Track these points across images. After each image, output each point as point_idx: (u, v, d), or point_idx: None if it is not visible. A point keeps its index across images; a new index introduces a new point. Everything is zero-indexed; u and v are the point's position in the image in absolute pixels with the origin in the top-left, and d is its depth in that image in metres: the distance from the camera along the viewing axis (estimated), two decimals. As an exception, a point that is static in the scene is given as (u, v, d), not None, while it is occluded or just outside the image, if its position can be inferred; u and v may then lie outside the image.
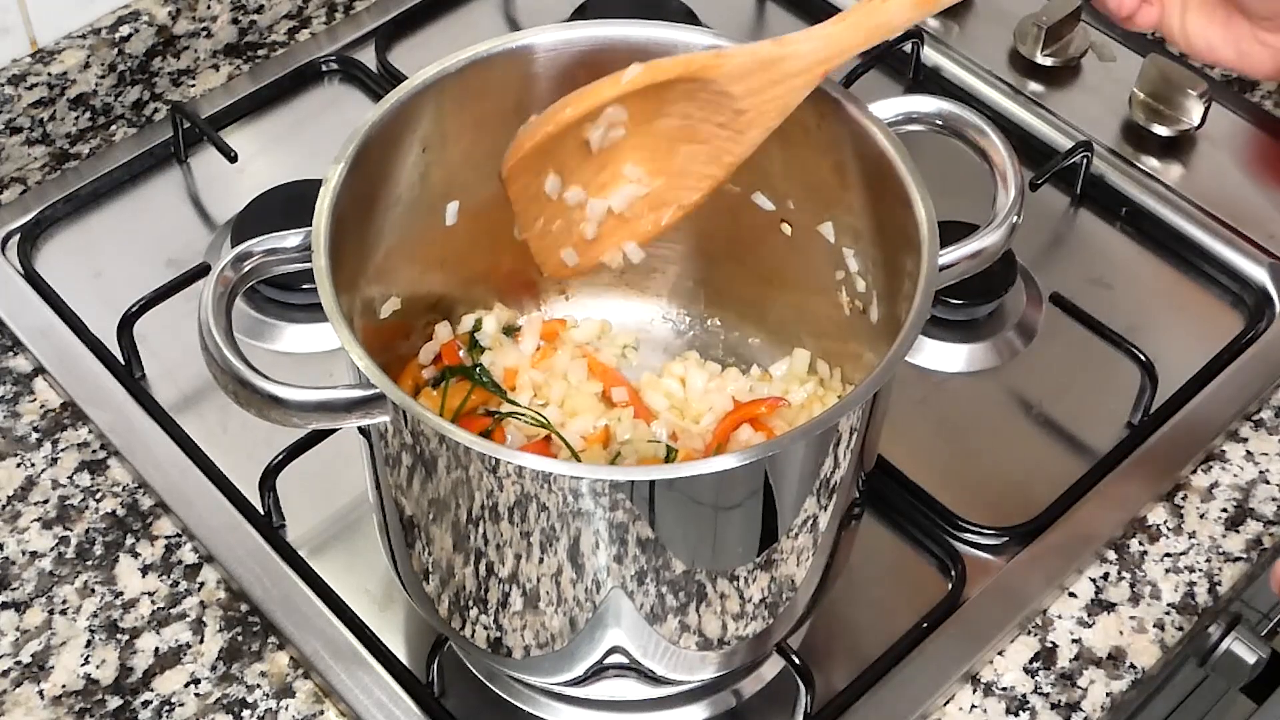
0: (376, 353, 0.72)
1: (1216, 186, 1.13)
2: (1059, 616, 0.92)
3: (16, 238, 1.07)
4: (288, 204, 1.06)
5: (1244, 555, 0.95)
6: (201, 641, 0.89)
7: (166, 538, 0.93)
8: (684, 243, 0.93)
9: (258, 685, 0.87)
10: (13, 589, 0.91)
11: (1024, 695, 0.88)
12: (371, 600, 0.90)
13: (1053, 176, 1.12)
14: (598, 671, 0.79)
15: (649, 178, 0.83)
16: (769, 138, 0.84)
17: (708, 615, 0.76)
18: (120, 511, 0.94)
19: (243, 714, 0.86)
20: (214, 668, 0.88)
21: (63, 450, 0.97)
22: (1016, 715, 0.88)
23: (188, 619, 0.90)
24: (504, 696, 0.88)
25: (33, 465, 0.96)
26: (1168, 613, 0.92)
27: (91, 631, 0.89)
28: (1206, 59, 0.85)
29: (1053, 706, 0.88)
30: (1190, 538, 0.96)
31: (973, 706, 0.88)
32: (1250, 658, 0.98)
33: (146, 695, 0.87)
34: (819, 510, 0.75)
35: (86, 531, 0.93)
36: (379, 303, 0.83)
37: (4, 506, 0.94)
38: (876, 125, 0.78)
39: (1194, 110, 1.15)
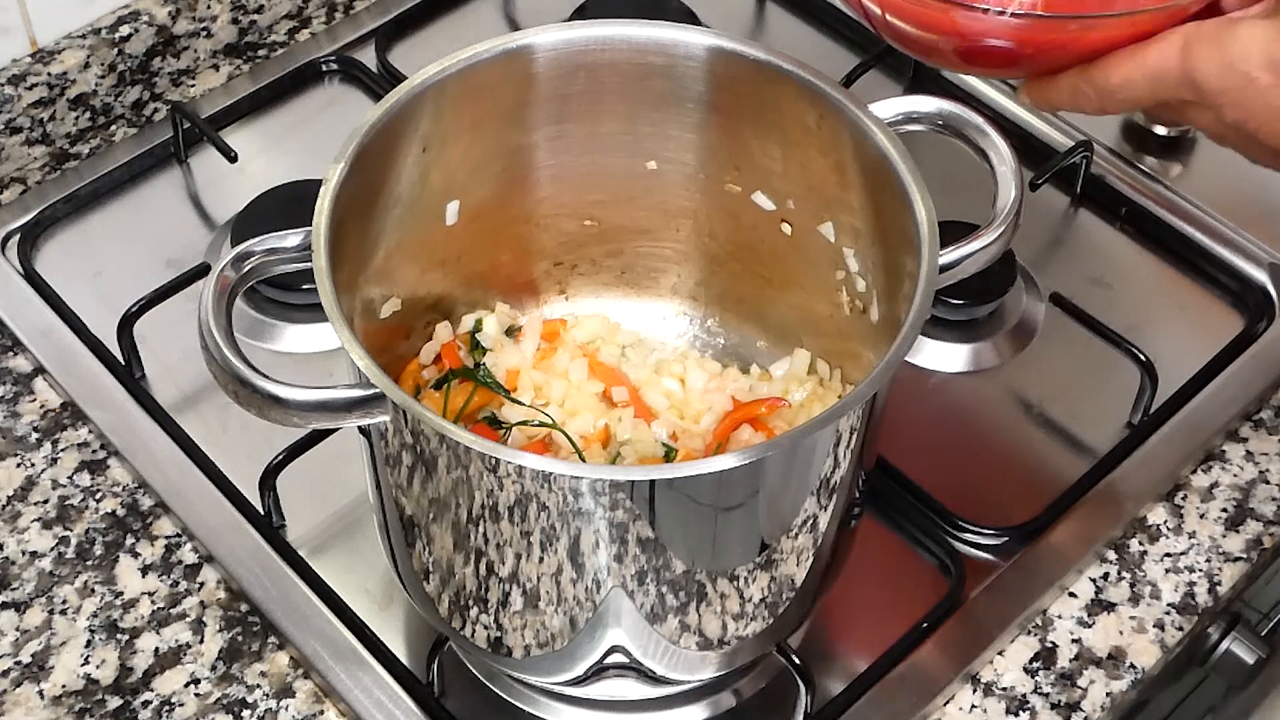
0: (376, 353, 0.72)
1: (1216, 186, 1.13)
2: (1059, 616, 0.92)
3: (16, 238, 1.07)
4: (288, 204, 1.06)
5: (1244, 555, 0.95)
6: (201, 641, 0.89)
7: (166, 538, 0.93)
8: (684, 243, 0.93)
9: (258, 685, 0.87)
10: (13, 589, 0.91)
11: (1024, 695, 0.89)
12: (371, 600, 0.90)
13: (1053, 176, 1.12)
14: (598, 671, 0.79)
15: None
16: (769, 137, 0.84)
17: (708, 615, 0.76)
18: (120, 511, 0.94)
19: (243, 714, 0.86)
20: (214, 668, 0.88)
21: (63, 450, 0.97)
22: (1016, 715, 0.88)
23: (188, 619, 0.90)
24: (504, 696, 0.88)
25: (33, 465, 0.96)
26: (1168, 613, 0.92)
27: (91, 631, 0.89)
28: None
29: (1053, 706, 0.88)
30: (1190, 538, 0.96)
31: (973, 706, 0.88)
32: (1250, 658, 0.98)
33: (146, 695, 0.87)
34: (819, 510, 0.75)
35: (86, 531, 0.93)
36: (379, 303, 0.83)
37: (4, 506, 0.94)
38: (876, 125, 0.78)
39: (1194, 110, 1.15)
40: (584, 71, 0.84)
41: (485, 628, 0.78)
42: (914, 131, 0.81)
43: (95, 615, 0.90)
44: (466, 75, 0.81)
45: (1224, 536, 0.96)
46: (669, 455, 0.86)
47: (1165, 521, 0.96)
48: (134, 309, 1.00)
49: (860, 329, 0.85)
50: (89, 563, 0.92)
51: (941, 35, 0.81)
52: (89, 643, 0.89)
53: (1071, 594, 0.93)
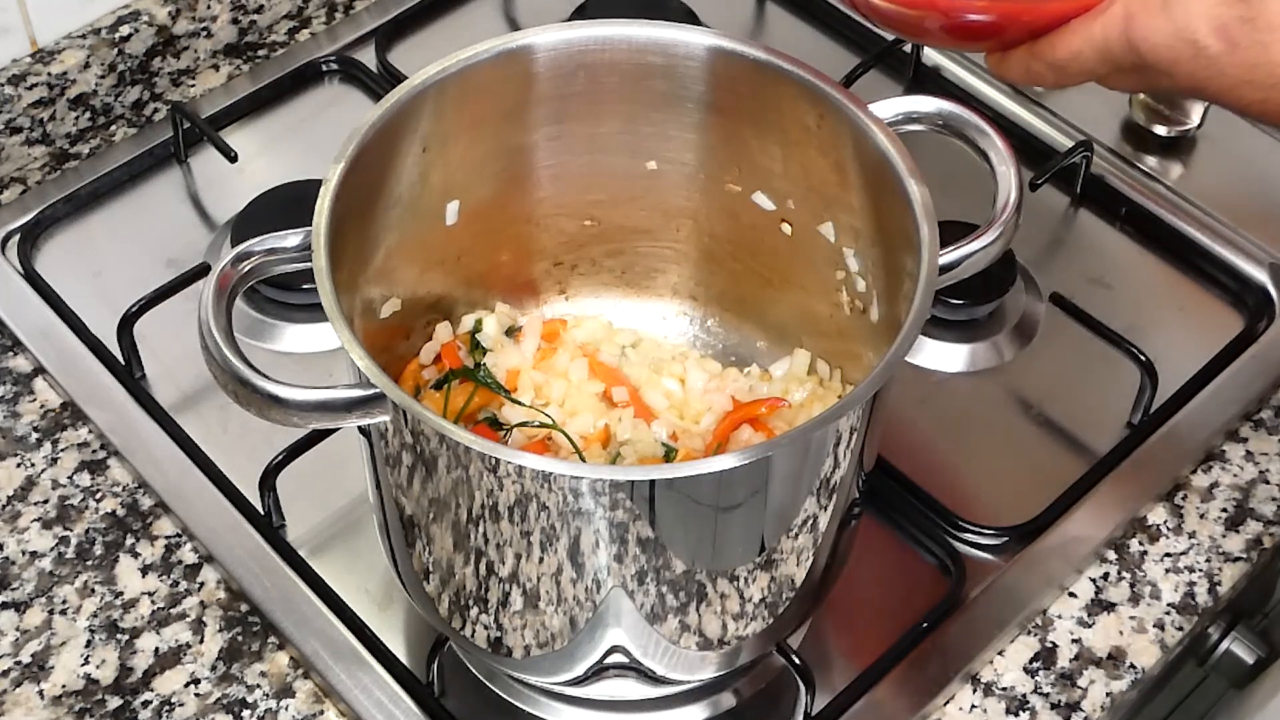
0: (376, 353, 0.72)
1: (1216, 186, 1.13)
2: (1059, 616, 0.92)
3: (16, 238, 1.07)
4: (288, 204, 1.06)
5: (1244, 555, 0.95)
6: (201, 641, 0.89)
7: (166, 538, 0.93)
8: (684, 243, 0.93)
9: (258, 685, 0.87)
10: (13, 589, 0.91)
11: (1024, 695, 0.89)
12: (371, 600, 0.90)
13: (1053, 176, 1.12)
14: (598, 671, 0.79)
15: None
16: (769, 137, 0.84)
17: (708, 615, 0.76)
18: (120, 511, 0.94)
19: (243, 714, 0.86)
20: (214, 668, 0.88)
21: (63, 450, 0.97)
22: (1016, 715, 0.88)
23: (188, 619, 0.90)
24: (504, 696, 0.88)
25: (33, 465, 0.96)
26: (1168, 613, 0.92)
27: (91, 631, 0.89)
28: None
29: (1053, 706, 0.88)
30: (1190, 538, 0.96)
31: (973, 706, 0.88)
32: (1250, 658, 0.98)
33: (146, 695, 0.87)
34: (819, 510, 0.75)
35: (86, 531, 0.93)
36: (379, 303, 0.83)
37: (4, 506, 0.94)
38: (876, 125, 0.78)
39: (1194, 110, 1.15)
40: (584, 71, 0.84)
41: (485, 628, 0.78)
42: (914, 131, 0.81)
43: (95, 615, 0.90)
44: (466, 75, 0.81)
45: (1224, 536, 0.96)
46: (669, 455, 0.86)
47: (1165, 521, 0.96)
48: (134, 309, 1.00)
49: (860, 329, 0.85)
50: (89, 563, 0.92)
51: (918, 10, 0.81)
52: (89, 643, 0.89)
53: (1071, 594, 0.93)
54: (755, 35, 1.25)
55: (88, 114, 1.15)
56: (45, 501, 0.95)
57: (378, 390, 0.68)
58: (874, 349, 0.83)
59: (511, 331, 0.91)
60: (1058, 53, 0.79)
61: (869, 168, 0.79)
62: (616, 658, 0.78)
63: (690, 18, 1.21)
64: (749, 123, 0.84)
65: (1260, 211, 1.12)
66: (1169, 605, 0.93)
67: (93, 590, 0.91)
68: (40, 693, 0.87)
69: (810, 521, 0.75)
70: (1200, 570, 0.94)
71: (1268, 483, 0.98)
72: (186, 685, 0.87)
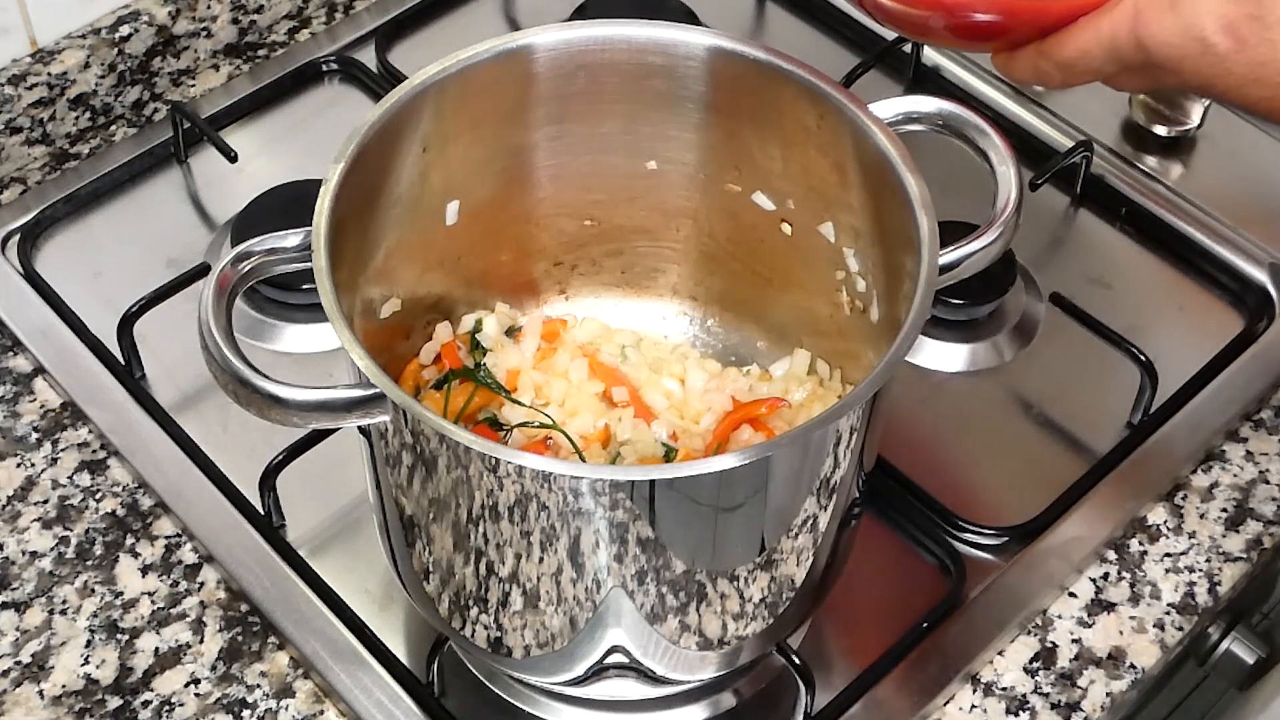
0: (376, 353, 0.72)
1: (1216, 186, 1.13)
2: (1059, 616, 0.92)
3: (16, 238, 1.07)
4: (288, 204, 1.06)
5: (1244, 555, 0.95)
6: (201, 641, 0.89)
7: (166, 538, 0.93)
8: (684, 243, 0.93)
9: (258, 685, 0.87)
10: (13, 589, 0.91)
11: (1024, 695, 0.89)
12: (371, 600, 0.90)
13: (1053, 176, 1.12)
14: (598, 671, 0.79)
15: None
16: (769, 137, 0.84)
17: (708, 615, 0.76)
18: (120, 511, 0.94)
19: (243, 714, 0.86)
20: (214, 668, 0.88)
21: (63, 450, 0.97)
22: (1016, 715, 0.88)
23: (188, 619, 0.90)
24: (504, 696, 0.88)
25: (33, 465, 0.96)
26: (1168, 613, 0.92)
27: (91, 631, 0.89)
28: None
29: (1053, 706, 0.88)
30: (1190, 538, 0.96)
31: (973, 706, 0.88)
32: (1250, 658, 0.98)
33: (146, 695, 0.87)
34: (819, 510, 0.75)
35: (86, 531, 0.93)
36: (379, 303, 0.83)
37: (4, 506, 0.94)
38: (876, 125, 0.78)
39: (1194, 110, 1.15)
40: (584, 71, 0.84)
41: (485, 628, 0.78)
42: (914, 131, 0.81)
43: (95, 615, 0.90)
44: (466, 75, 0.81)
45: (1224, 536, 0.96)
46: (669, 455, 0.86)
47: (1165, 521, 0.96)
48: (134, 309, 1.00)
49: (860, 329, 0.85)
50: (89, 563, 0.92)
51: (924, 9, 0.81)
52: (89, 643, 0.89)
53: (1071, 594, 0.93)
54: (755, 35, 1.25)
55: (88, 114, 1.15)
56: (45, 501, 0.95)
57: (378, 390, 0.68)
58: (874, 349, 0.83)
59: (511, 331, 0.91)
60: (1065, 51, 0.79)
61: (869, 168, 0.79)
62: (616, 658, 0.78)
63: (690, 18, 1.21)
64: (749, 123, 0.84)
65: (1260, 211, 1.12)
66: (1169, 605, 0.93)
67: (93, 590, 0.91)
68: (40, 693, 0.87)
69: (810, 521, 0.75)
70: (1200, 570, 0.94)
71: (1268, 483, 0.98)
72: (186, 685, 0.87)
